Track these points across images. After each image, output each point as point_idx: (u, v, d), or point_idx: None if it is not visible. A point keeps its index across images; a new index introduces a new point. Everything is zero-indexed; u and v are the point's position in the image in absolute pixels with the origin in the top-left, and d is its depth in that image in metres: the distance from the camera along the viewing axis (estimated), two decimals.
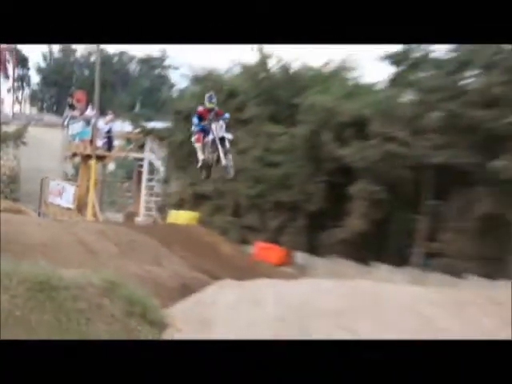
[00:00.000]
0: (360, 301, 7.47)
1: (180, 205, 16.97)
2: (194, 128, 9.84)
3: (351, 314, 6.91)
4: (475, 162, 12.55)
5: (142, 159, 19.10)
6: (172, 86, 29.57)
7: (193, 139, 9.97)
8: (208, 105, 9.62)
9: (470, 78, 13.64)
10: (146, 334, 6.63)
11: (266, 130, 15.47)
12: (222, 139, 9.22)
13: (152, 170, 18.68)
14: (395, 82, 14.82)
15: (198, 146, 9.83)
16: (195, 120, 9.94)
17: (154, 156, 18.40)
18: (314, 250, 15.10)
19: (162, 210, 18.19)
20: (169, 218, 16.91)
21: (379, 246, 14.16)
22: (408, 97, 14.24)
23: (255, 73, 16.66)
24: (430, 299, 7.54)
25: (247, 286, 8.46)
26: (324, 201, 14.66)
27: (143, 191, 18.54)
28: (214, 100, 9.74)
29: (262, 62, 16.39)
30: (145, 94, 30.37)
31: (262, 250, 15.22)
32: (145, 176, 18.54)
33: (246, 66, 16.92)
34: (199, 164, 9.92)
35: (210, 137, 9.47)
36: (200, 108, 9.91)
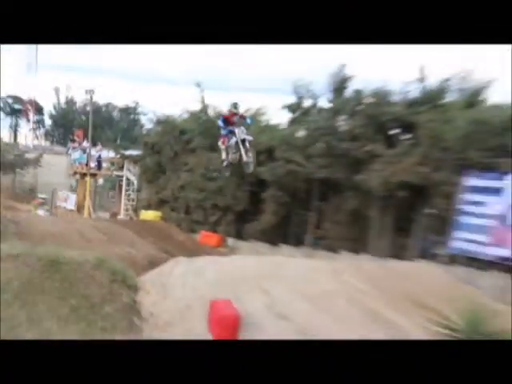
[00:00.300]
0: (272, 269, 9.95)
1: (148, 206, 21.80)
2: (221, 131, 10.89)
3: (266, 279, 9.24)
4: (345, 176, 16.67)
5: (121, 176, 24.28)
6: (142, 126, 38.80)
7: (219, 142, 11.00)
8: (233, 109, 10.73)
9: (341, 121, 18.06)
10: (125, 295, 8.86)
11: (206, 156, 19.86)
12: (243, 140, 10.28)
13: (129, 183, 23.82)
14: (293, 122, 19.87)
15: (222, 147, 10.74)
16: (221, 123, 10.94)
17: (130, 173, 23.74)
18: (240, 236, 19.59)
19: (136, 210, 23.08)
20: (141, 216, 21.28)
21: (284, 233, 18.77)
22: (301, 133, 18.81)
23: (199, 117, 21.32)
24: (317, 268, 10.14)
25: (194, 261, 10.61)
26: (247, 203, 19.50)
27: (123, 198, 23.80)
28: (238, 106, 10.84)
29: (204, 109, 21.32)
30: (123, 132, 40.74)
31: (204, 236, 19.39)
32: (124, 187, 23.77)
33: (192, 112, 21.76)
34: (224, 163, 10.97)
35: (233, 139, 10.53)
36: (225, 113, 11.12)
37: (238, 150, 10.40)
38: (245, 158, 10.46)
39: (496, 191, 13.18)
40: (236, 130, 10.39)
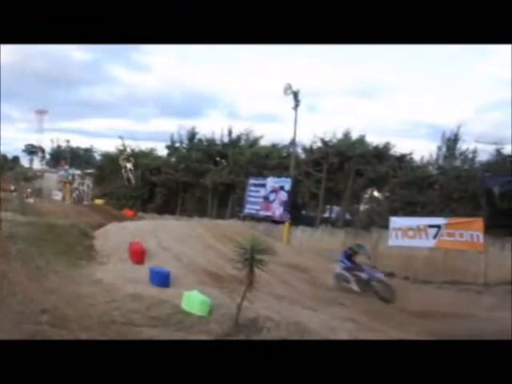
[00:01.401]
0: (160, 226, 17.84)
1: (98, 197, 32.83)
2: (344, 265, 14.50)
3: (157, 230, 16.90)
4: (195, 180, 28.78)
5: (84, 182, 35.24)
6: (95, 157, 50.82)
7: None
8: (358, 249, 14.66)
9: (193, 154, 29.86)
10: (87, 241, 16.63)
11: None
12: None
13: (88, 185, 34.49)
14: (169, 154, 31.82)
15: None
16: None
17: (88, 181, 34.68)
18: (145, 211, 30.91)
19: (92, 199, 32.98)
20: (95, 202, 31.42)
21: (166, 209, 30.46)
22: (173, 159, 30.69)
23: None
24: (182, 224, 18.53)
25: (121, 224, 18.54)
26: (148, 194, 31.67)
27: (85, 194, 33.51)
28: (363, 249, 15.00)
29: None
30: (85, 161, 51.46)
31: (126, 212, 29.25)
32: (86, 188, 34.18)
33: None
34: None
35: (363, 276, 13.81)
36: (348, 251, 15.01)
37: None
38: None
39: (263, 185, 23.51)
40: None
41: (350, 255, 15.04)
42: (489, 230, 16.04)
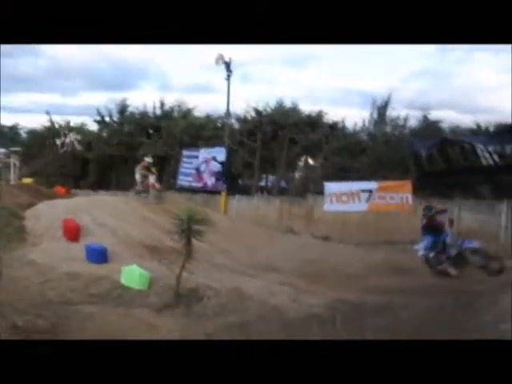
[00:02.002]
0: (93, 203, 17.17)
1: (26, 176, 30.14)
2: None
3: (91, 207, 16.18)
4: (128, 154, 27.79)
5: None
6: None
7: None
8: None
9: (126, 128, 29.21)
10: (17, 222, 16.01)
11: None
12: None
13: (15, 165, 31.50)
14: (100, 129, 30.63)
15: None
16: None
17: (15, 160, 31.73)
18: (78, 187, 28.93)
19: (20, 179, 30.44)
20: (23, 181, 29.20)
21: (99, 185, 28.81)
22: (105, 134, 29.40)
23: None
24: (117, 200, 17.77)
25: (52, 202, 17.80)
26: (80, 172, 30.69)
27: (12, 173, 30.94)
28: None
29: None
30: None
31: (58, 189, 26.86)
32: (12, 168, 31.35)
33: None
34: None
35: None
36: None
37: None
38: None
39: (196, 156, 23.57)
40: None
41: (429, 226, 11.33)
42: (417, 191, 16.88)
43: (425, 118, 20.17)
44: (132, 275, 10.79)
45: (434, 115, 20.20)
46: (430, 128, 19.96)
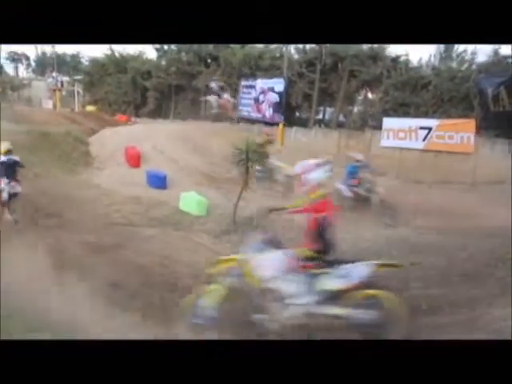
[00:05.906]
0: (153, 130, 18.24)
1: (89, 104, 32.97)
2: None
3: (151, 134, 17.27)
4: (187, 82, 27.54)
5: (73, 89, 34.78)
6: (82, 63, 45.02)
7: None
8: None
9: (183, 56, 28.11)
10: (82, 147, 16.75)
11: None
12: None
13: (78, 92, 34.27)
14: (159, 57, 29.79)
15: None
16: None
17: (79, 88, 34.50)
18: (138, 116, 30.20)
19: (84, 106, 32.84)
20: (86, 109, 31.11)
21: (158, 114, 29.74)
22: (163, 62, 29.08)
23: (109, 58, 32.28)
24: (175, 128, 18.44)
25: (115, 129, 18.73)
26: (140, 100, 30.33)
27: (76, 100, 33.63)
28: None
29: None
30: (73, 66, 45.70)
31: (119, 117, 29.01)
32: (75, 95, 34.05)
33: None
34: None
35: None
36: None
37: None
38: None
39: (253, 86, 23.17)
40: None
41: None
42: (480, 131, 16.16)
43: (495, 52, 18.76)
44: (190, 201, 11.16)
45: (504, 50, 18.72)
46: (499, 64, 18.56)
